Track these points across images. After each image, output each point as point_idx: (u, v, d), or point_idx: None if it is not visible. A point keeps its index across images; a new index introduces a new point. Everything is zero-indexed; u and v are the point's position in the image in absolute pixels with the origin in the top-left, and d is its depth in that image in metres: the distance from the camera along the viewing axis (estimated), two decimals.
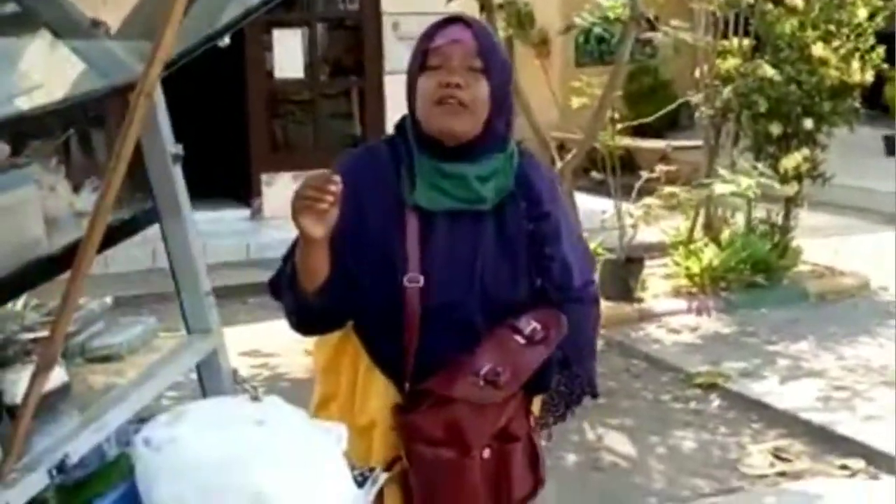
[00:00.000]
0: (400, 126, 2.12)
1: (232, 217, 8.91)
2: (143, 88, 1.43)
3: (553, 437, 2.30)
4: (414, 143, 2.06)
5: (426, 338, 2.04)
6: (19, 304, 2.79)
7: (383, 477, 1.96)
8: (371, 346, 2.09)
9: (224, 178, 9.48)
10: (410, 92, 2.06)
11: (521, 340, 2.03)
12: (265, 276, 2.15)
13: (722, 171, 6.71)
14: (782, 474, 4.32)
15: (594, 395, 2.22)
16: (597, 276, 2.33)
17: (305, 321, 2.08)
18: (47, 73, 2.03)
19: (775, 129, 6.90)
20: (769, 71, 6.75)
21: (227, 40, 2.01)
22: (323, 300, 2.00)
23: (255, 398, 2.01)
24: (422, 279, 2.02)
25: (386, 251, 2.04)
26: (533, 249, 2.10)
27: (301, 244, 1.96)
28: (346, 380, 2.13)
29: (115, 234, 1.90)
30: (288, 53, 9.12)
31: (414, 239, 2.03)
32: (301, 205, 1.85)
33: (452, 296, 2.04)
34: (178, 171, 2.02)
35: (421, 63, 2.03)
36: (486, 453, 2.05)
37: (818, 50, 6.80)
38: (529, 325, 2.05)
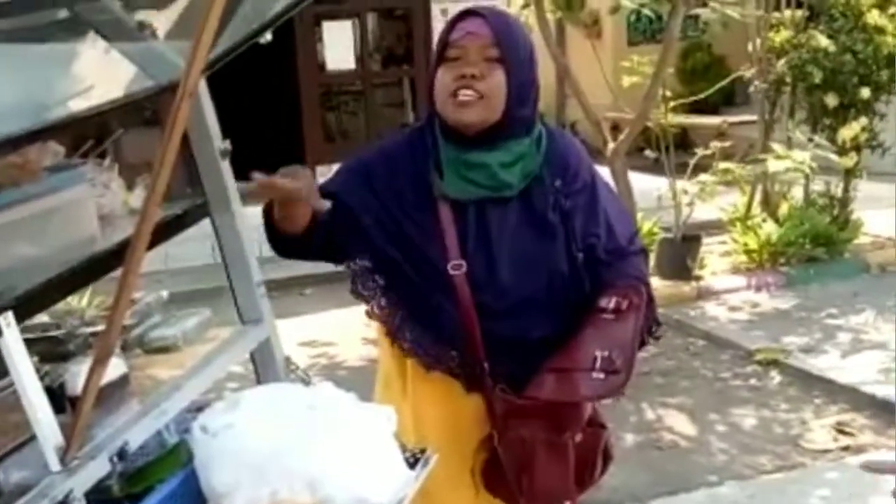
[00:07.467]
0: (428, 117, 2.16)
1: None
2: (186, 88, 1.47)
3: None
4: (439, 133, 2.11)
5: (484, 321, 2.09)
6: (84, 300, 2.88)
7: (434, 458, 2.00)
8: (428, 345, 2.13)
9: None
10: (431, 85, 2.11)
11: (610, 316, 2.05)
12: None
13: (776, 147, 6.62)
14: (845, 449, 4.29)
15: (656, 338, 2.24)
16: (635, 228, 2.36)
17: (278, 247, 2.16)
18: (99, 75, 2.08)
19: (831, 100, 6.79)
20: (823, 41, 6.65)
21: (268, 37, 2.05)
22: (299, 239, 2.07)
23: (308, 384, 2.07)
24: (465, 265, 2.07)
25: (425, 240, 2.09)
26: (575, 223, 2.14)
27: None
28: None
29: (167, 229, 1.95)
30: (339, 45, 9.20)
31: (450, 227, 2.08)
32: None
33: (490, 280, 2.08)
34: (226, 166, 2.06)
35: (439, 56, 2.08)
36: (579, 437, 2.09)
37: (873, 18, 6.68)
38: (611, 300, 2.07)
